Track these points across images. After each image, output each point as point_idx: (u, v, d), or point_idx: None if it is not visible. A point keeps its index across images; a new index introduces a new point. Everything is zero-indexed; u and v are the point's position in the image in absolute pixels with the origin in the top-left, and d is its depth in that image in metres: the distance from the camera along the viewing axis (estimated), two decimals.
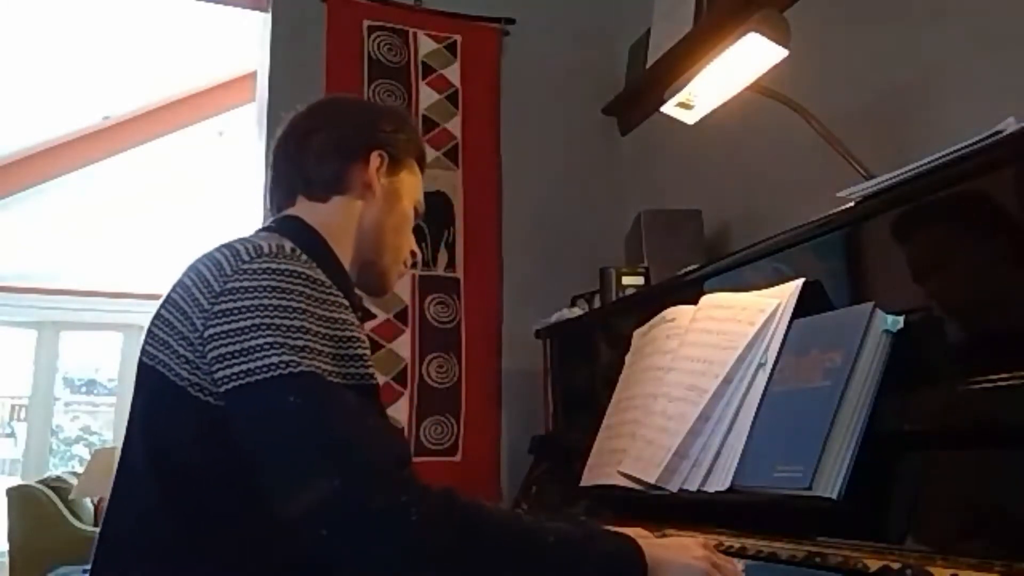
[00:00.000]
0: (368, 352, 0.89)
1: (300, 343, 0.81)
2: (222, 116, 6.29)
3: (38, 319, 6.67)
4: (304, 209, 1.09)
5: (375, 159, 1.11)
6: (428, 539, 0.76)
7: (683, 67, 1.73)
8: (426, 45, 2.48)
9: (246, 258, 0.87)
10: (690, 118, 1.69)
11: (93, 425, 7.25)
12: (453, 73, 2.49)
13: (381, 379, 2.18)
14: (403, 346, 2.28)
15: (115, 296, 6.38)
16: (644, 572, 0.84)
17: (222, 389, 0.81)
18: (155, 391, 0.89)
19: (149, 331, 0.91)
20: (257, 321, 0.82)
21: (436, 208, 2.39)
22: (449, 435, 2.28)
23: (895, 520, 0.89)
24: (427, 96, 2.45)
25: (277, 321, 0.82)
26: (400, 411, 2.23)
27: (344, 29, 2.38)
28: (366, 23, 2.42)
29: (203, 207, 6.25)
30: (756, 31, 1.43)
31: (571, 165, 2.58)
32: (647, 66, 2.34)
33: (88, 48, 5.31)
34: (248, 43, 2.99)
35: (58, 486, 4.48)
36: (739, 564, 0.98)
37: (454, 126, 2.46)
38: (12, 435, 6.94)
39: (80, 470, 4.92)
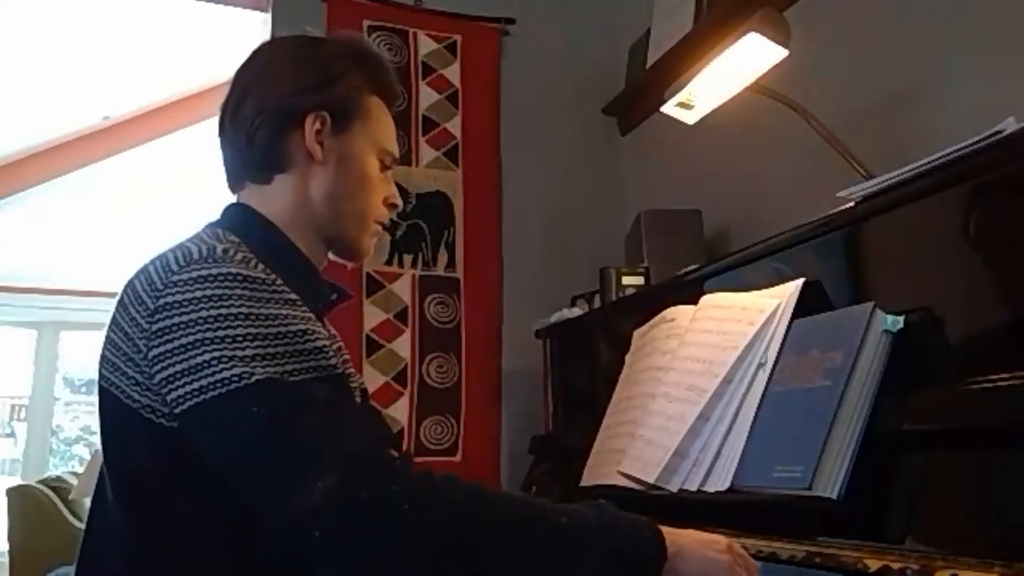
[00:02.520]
0: (327, 342, 0.83)
1: (248, 352, 0.77)
2: None
3: (38, 319, 6.66)
4: (251, 195, 1.00)
5: (312, 124, 0.98)
6: (422, 527, 0.73)
7: (683, 67, 1.73)
8: (426, 45, 2.48)
9: (175, 268, 0.82)
10: (690, 118, 1.69)
11: (93, 425, 7.23)
12: (453, 73, 2.49)
13: (381, 379, 2.22)
14: (403, 346, 2.28)
15: (115, 296, 6.32)
16: (664, 557, 0.80)
17: (177, 410, 0.78)
18: (112, 414, 0.85)
19: (101, 354, 0.87)
20: (198, 336, 0.77)
21: (436, 208, 2.40)
22: (449, 435, 2.28)
23: (895, 520, 0.89)
24: (427, 96, 2.45)
25: (220, 333, 0.77)
26: (400, 411, 2.23)
27: (344, 29, 2.38)
28: (366, 23, 2.42)
29: (203, 207, 6.24)
30: (756, 31, 1.43)
31: (571, 165, 2.59)
32: (647, 66, 2.34)
33: (88, 48, 5.31)
34: (248, 43, 2.99)
35: (58, 486, 4.48)
36: None
37: (454, 126, 2.46)
38: (12, 435, 6.94)
39: (80, 470, 4.92)
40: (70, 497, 4.34)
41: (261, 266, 0.84)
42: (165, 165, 6.31)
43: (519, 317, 2.29)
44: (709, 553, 0.82)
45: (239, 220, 0.97)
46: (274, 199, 0.99)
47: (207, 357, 0.76)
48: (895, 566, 0.80)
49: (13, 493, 4.38)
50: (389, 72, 1.08)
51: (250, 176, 1.00)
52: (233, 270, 0.82)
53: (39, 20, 5.01)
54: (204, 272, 0.81)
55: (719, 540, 0.85)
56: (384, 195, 1.06)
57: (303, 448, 0.74)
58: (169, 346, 0.78)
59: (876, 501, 0.91)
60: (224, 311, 0.79)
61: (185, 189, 6.32)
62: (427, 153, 2.42)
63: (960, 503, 0.86)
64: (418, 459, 2.11)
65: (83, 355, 7.23)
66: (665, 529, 0.82)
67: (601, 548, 0.78)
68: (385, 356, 2.25)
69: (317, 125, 0.98)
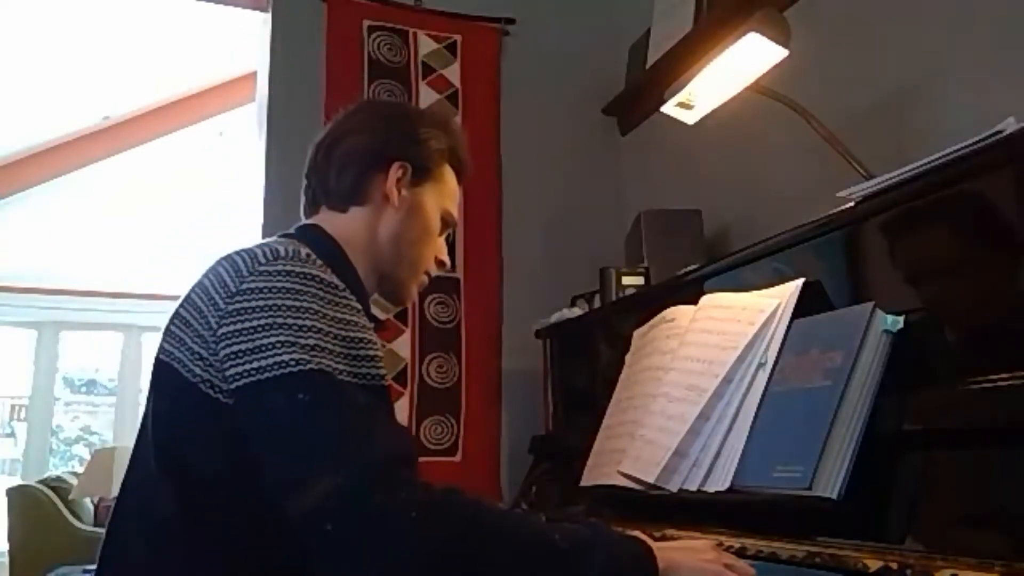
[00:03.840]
0: (380, 355, 0.90)
1: (311, 342, 0.82)
2: (222, 116, 6.30)
3: (38, 319, 6.66)
4: (325, 218, 1.11)
5: (395, 170, 1.10)
6: (428, 537, 0.76)
7: (683, 67, 1.73)
8: (426, 45, 2.48)
9: (262, 260, 0.89)
10: (690, 118, 1.69)
11: (93, 425, 7.25)
12: (453, 73, 2.49)
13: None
14: (403, 346, 2.28)
15: (115, 296, 6.37)
16: (656, 573, 0.84)
17: (232, 386, 0.83)
18: (169, 387, 0.89)
19: (167, 329, 0.93)
20: (269, 320, 0.83)
21: None
22: (449, 435, 2.28)
23: (895, 520, 0.89)
24: (427, 96, 2.45)
25: (289, 321, 0.83)
26: (400, 411, 2.22)
27: (344, 29, 2.38)
28: (366, 23, 2.42)
29: (203, 207, 6.25)
30: (756, 31, 1.43)
31: (571, 165, 2.58)
32: (647, 66, 2.34)
33: (88, 48, 5.31)
34: (248, 43, 2.99)
35: (58, 486, 4.48)
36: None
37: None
38: (12, 435, 6.94)
39: (80, 470, 4.92)
40: (70, 497, 4.33)
41: (335, 276, 0.92)
42: (165, 165, 6.32)
43: (519, 317, 2.29)
44: (698, 562, 0.87)
45: (311, 236, 1.06)
46: (345, 226, 1.09)
47: (272, 340, 0.82)
48: (895, 566, 0.80)
49: (13, 493, 4.38)
50: (466, 149, 1.21)
51: (329, 203, 1.12)
52: (313, 271, 0.89)
53: (39, 20, 5.01)
54: (288, 267, 0.88)
55: (704, 546, 0.91)
56: (436, 251, 1.17)
57: (332, 442, 0.79)
58: (240, 326, 0.84)
59: (876, 501, 0.91)
60: (297, 303, 0.85)
61: (185, 189, 6.33)
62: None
63: (960, 503, 0.86)
64: (418, 459, 2.11)
65: (83, 355, 7.23)
66: (655, 544, 0.87)
67: (595, 561, 0.82)
68: (385, 356, 2.23)
69: (399, 173, 1.10)
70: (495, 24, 2.56)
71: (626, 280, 1.83)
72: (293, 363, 0.80)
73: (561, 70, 2.62)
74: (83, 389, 7.36)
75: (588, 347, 1.91)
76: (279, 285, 0.86)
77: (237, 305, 0.85)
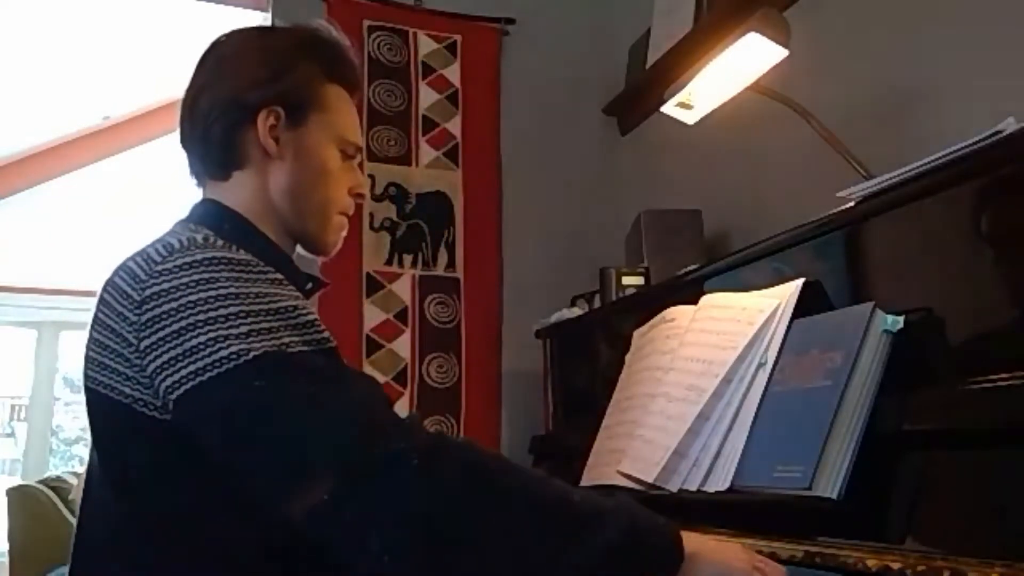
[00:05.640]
0: (317, 318, 0.83)
1: (243, 329, 0.76)
2: None
3: (38, 319, 6.67)
4: (213, 192, 0.99)
5: (263, 118, 0.96)
6: (434, 481, 0.72)
7: (683, 67, 1.73)
8: (426, 45, 2.48)
9: (158, 259, 0.81)
10: (690, 118, 1.69)
11: None
12: (453, 73, 2.49)
13: (381, 379, 2.22)
14: (403, 346, 2.28)
15: None
16: (680, 555, 0.78)
17: (173, 396, 0.76)
18: (103, 413, 0.85)
19: (86, 356, 0.86)
20: (190, 320, 0.77)
21: (436, 208, 2.40)
22: (449, 435, 2.28)
23: (895, 520, 0.89)
24: (427, 96, 2.45)
25: (212, 314, 0.77)
26: (400, 411, 2.22)
27: (344, 29, 2.35)
28: (366, 23, 2.42)
29: None
30: (756, 31, 1.43)
31: (571, 165, 2.58)
32: (647, 66, 2.34)
33: (88, 48, 5.31)
34: None
35: (58, 486, 4.48)
36: None
37: (454, 126, 2.46)
38: (12, 435, 6.95)
39: (80, 470, 4.92)
40: (70, 497, 4.33)
41: (242, 251, 0.84)
42: (165, 165, 6.31)
43: (519, 317, 2.29)
44: (729, 558, 0.81)
45: (208, 214, 0.96)
46: (235, 195, 0.98)
47: (201, 339, 0.76)
48: (895, 566, 0.80)
49: (13, 493, 4.38)
50: (348, 58, 1.06)
51: (210, 173, 1.00)
52: (217, 254, 0.82)
53: (39, 20, 5.01)
54: (188, 259, 0.81)
55: (740, 548, 0.84)
56: (348, 186, 1.04)
57: (310, 418, 0.74)
58: (161, 334, 0.77)
59: (876, 501, 0.91)
60: (213, 293, 0.78)
61: (185, 189, 6.34)
62: (427, 153, 2.42)
63: (960, 503, 0.86)
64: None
65: (83, 355, 7.23)
66: (684, 532, 0.81)
67: (615, 523, 0.76)
68: (385, 356, 2.25)
69: (271, 120, 0.97)
70: (495, 24, 2.56)
71: (626, 280, 1.83)
72: (234, 356, 0.74)
73: (561, 70, 2.62)
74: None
75: (588, 347, 1.91)
76: (185, 280, 0.79)
77: (149, 314, 0.78)
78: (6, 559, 4.36)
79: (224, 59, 1.01)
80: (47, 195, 6.32)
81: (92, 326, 0.86)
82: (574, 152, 2.60)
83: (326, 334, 0.82)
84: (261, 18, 2.47)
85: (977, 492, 0.84)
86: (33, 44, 5.19)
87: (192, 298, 0.78)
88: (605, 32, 2.67)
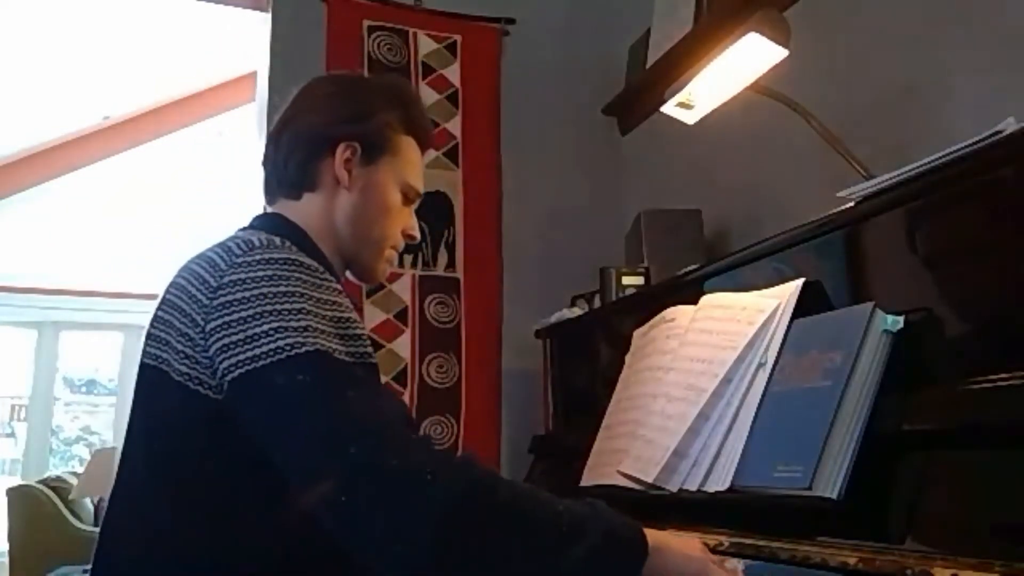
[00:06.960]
0: (364, 331, 0.91)
1: (302, 324, 0.83)
2: (222, 116, 6.30)
3: (38, 319, 6.67)
4: (283, 207, 1.10)
5: (342, 152, 1.07)
6: (445, 496, 0.76)
7: (683, 67, 1.73)
8: (426, 45, 2.48)
9: (238, 252, 0.89)
10: (690, 118, 1.69)
11: (93, 425, 7.25)
12: (453, 73, 2.49)
13: (381, 379, 2.22)
14: (403, 346, 2.28)
15: (115, 296, 6.38)
16: (646, 550, 0.85)
17: (227, 378, 0.82)
18: (155, 388, 0.90)
19: (148, 334, 0.93)
20: (258, 310, 0.83)
21: (436, 208, 2.40)
22: (449, 435, 2.28)
23: (895, 520, 0.89)
24: (427, 96, 2.44)
25: (277, 307, 0.83)
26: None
27: (344, 29, 2.38)
28: (366, 23, 2.42)
29: (203, 207, 6.25)
30: (756, 31, 1.43)
31: (571, 165, 2.59)
32: (647, 66, 2.34)
33: (88, 48, 5.31)
34: (248, 43, 2.99)
35: (58, 486, 4.48)
36: (739, 564, 0.98)
37: (454, 126, 2.46)
38: (12, 435, 6.95)
39: (80, 470, 4.92)
40: (70, 497, 4.34)
41: (309, 259, 0.92)
42: (165, 165, 6.32)
43: (519, 317, 2.29)
44: (689, 551, 0.89)
45: (273, 225, 1.04)
46: (301, 213, 1.08)
47: (265, 328, 0.82)
48: (895, 566, 0.80)
49: (13, 493, 4.38)
50: (423, 115, 1.19)
51: (283, 192, 1.10)
52: (292, 256, 0.90)
53: (39, 20, 5.01)
54: (267, 256, 0.89)
55: (694, 542, 0.92)
56: (403, 226, 1.15)
57: (341, 417, 0.79)
58: (229, 318, 0.84)
59: (876, 501, 0.91)
60: (284, 288, 0.85)
61: (185, 189, 6.33)
62: (427, 153, 2.41)
63: (960, 503, 0.86)
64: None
65: (83, 355, 7.23)
66: (647, 529, 0.88)
67: (594, 529, 0.83)
68: (385, 356, 2.25)
69: (348, 154, 1.08)
70: (495, 24, 2.56)
71: (626, 280, 1.83)
72: (288, 347, 0.81)
73: (561, 70, 2.62)
74: (83, 389, 7.36)
75: (588, 347, 1.91)
76: (261, 274, 0.86)
77: (222, 299, 0.85)
78: (6, 559, 4.36)
79: (316, 97, 1.13)
80: (47, 195, 6.32)
81: (160, 306, 0.93)
82: (574, 152, 2.60)
83: (370, 350, 0.90)
84: (261, 18, 2.47)
85: (977, 492, 0.84)
86: (33, 44, 5.19)
87: (264, 290, 0.85)
88: (605, 32, 2.67)
